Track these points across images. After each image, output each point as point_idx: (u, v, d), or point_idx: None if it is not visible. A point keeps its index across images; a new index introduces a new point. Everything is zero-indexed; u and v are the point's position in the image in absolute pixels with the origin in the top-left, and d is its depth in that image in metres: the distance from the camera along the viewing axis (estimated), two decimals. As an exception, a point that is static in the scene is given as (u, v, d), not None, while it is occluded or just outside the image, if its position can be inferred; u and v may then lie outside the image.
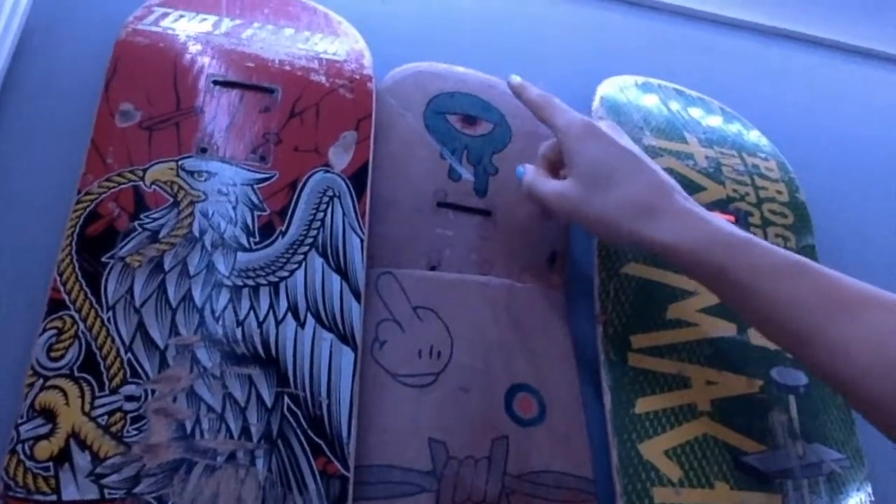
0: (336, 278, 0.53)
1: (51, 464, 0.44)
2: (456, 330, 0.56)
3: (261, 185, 0.55)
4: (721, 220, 0.52)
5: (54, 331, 0.47)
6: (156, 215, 0.52)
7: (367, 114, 0.60)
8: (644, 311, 0.61)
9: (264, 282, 0.52)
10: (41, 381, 0.46)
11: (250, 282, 0.51)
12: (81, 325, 0.48)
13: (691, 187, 0.66)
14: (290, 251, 0.53)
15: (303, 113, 0.59)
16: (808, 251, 0.68)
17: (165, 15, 0.61)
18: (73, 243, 0.50)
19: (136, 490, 0.44)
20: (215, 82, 0.58)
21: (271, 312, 0.51)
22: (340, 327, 0.52)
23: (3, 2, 0.57)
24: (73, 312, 0.48)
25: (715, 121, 0.74)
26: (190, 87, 0.57)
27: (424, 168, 0.62)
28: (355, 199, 0.56)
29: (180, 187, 0.53)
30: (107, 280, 0.49)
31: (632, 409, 0.56)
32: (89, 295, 0.49)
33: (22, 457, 0.44)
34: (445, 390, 0.54)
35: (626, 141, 0.56)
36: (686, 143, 0.70)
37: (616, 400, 0.57)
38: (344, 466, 0.48)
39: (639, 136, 0.68)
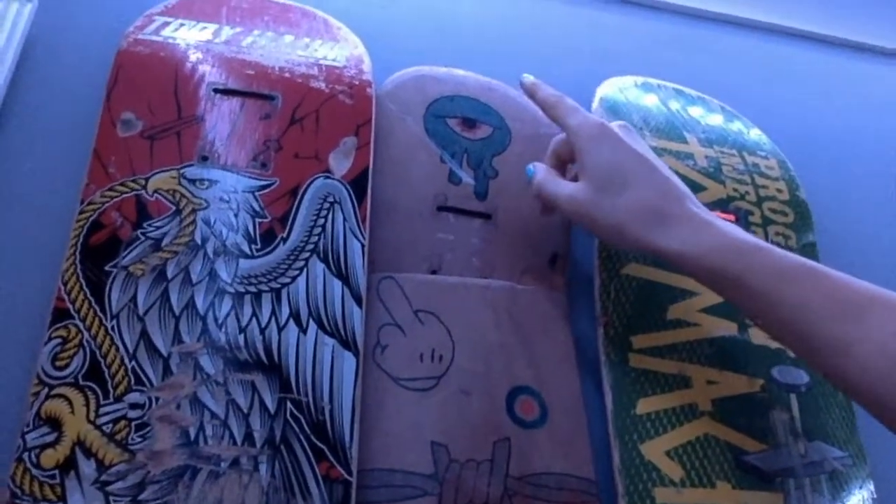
0: (337, 284, 0.54)
1: (57, 472, 0.44)
2: (457, 333, 0.57)
3: (262, 192, 0.55)
4: (729, 226, 0.52)
5: (59, 340, 0.48)
6: (158, 224, 0.53)
7: (367, 119, 0.61)
8: (645, 312, 0.61)
9: (266, 288, 0.52)
10: (46, 389, 0.46)
11: (252, 288, 0.52)
12: (86, 334, 0.48)
13: (691, 187, 0.66)
14: (292, 257, 0.54)
15: (303, 119, 0.59)
16: (809, 249, 0.68)
17: (166, 24, 0.61)
18: (77, 253, 0.50)
19: (141, 497, 0.44)
20: (216, 90, 0.59)
21: (273, 319, 0.51)
22: (342, 332, 0.52)
23: (6, 12, 0.58)
24: (77, 321, 0.48)
25: (715, 120, 0.75)
26: (191, 95, 0.58)
27: (425, 172, 0.62)
28: (356, 205, 0.57)
29: (182, 195, 0.54)
30: (110, 289, 0.50)
31: (633, 410, 0.57)
32: (93, 304, 0.49)
33: (28, 465, 0.44)
34: (447, 394, 0.54)
35: (639, 144, 0.56)
36: (686, 142, 0.70)
37: (617, 400, 0.57)
38: (347, 471, 0.48)
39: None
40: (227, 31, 0.62)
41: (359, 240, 0.56)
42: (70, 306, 0.49)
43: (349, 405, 0.50)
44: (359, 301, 0.54)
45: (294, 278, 0.53)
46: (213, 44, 0.61)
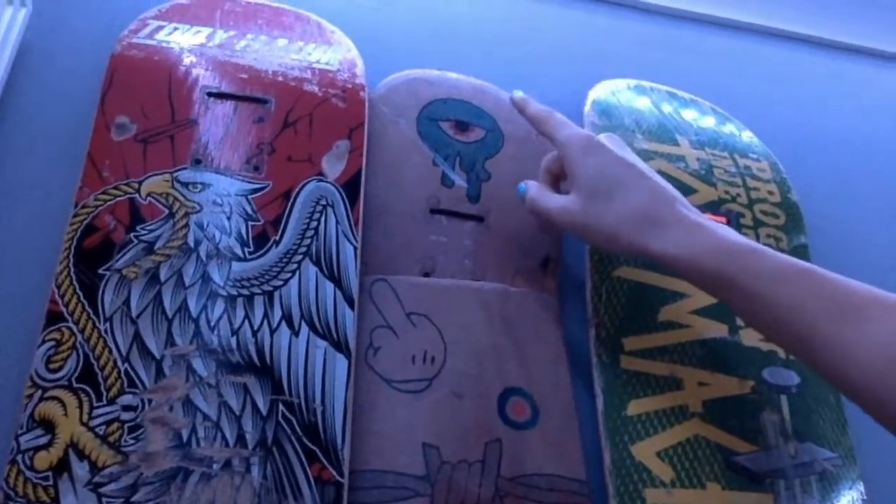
0: (330, 286, 0.54)
1: (50, 473, 0.45)
2: (449, 335, 0.57)
3: (255, 196, 0.56)
4: (723, 228, 0.52)
5: (53, 342, 0.48)
6: (151, 227, 0.53)
7: (360, 122, 0.61)
8: (636, 314, 0.61)
9: (259, 291, 0.53)
10: (40, 392, 0.47)
11: (245, 291, 0.52)
12: (79, 337, 0.48)
13: (683, 190, 0.66)
14: (284, 260, 0.54)
15: (296, 123, 0.59)
16: (801, 251, 0.68)
17: (160, 28, 0.61)
18: (71, 256, 0.51)
19: (134, 499, 0.45)
20: (209, 94, 0.59)
21: (266, 321, 0.52)
22: (334, 335, 0.53)
23: (0, 17, 0.58)
24: (70, 324, 0.49)
25: (707, 122, 0.75)
26: (184, 99, 0.58)
27: (417, 175, 0.63)
28: (349, 208, 0.57)
29: (175, 199, 0.54)
30: (104, 292, 0.50)
31: (624, 411, 0.57)
32: (87, 307, 0.49)
33: (22, 467, 0.44)
34: (439, 395, 0.54)
35: (627, 153, 0.57)
36: (677, 145, 0.70)
37: (608, 402, 0.57)
38: (338, 472, 0.48)
39: (630, 139, 0.69)
40: (220, 35, 0.62)
41: (351, 242, 0.56)
42: (63, 309, 0.49)
43: (341, 407, 0.50)
44: (351, 303, 0.54)
45: (286, 281, 0.53)
46: (206, 47, 0.61)
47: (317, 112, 0.60)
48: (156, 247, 0.52)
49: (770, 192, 0.71)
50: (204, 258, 0.53)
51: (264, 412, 0.49)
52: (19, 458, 0.45)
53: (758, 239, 0.67)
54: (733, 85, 0.83)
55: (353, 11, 0.72)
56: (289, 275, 0.54)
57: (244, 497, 0.46)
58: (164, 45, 0.60)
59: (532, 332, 0.60)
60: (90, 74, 0.59)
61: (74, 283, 0.50)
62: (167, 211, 0.54)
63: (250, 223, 0.55)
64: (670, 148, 0.70)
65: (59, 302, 0.49)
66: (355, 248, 0.56)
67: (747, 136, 0.76)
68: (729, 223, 0.67)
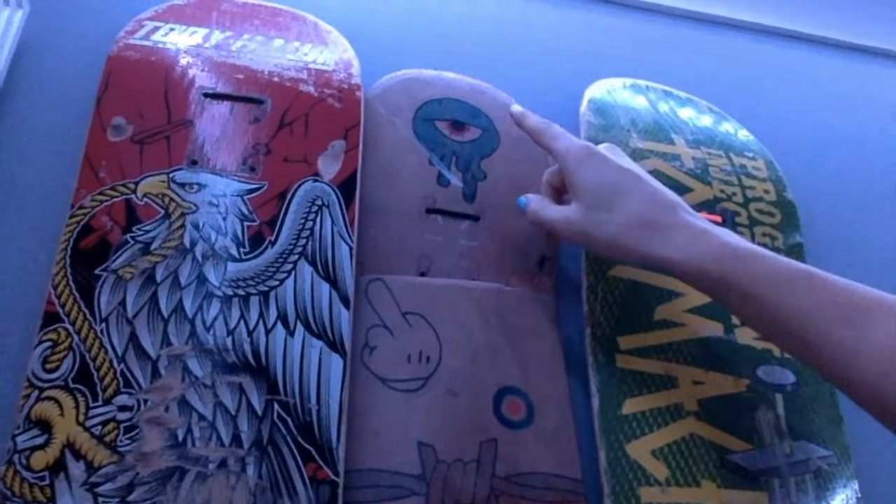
0: (325, 286, 0.54)
1: (46, 473, 0.45)
2: (445, 334, 0.57)
3: (251, 196, 0.56)
4: (726, 233, 0.52)
5: (49, 343, 0.48)
6: (147, 228, 0.53)
7: (356, 122, 0.61)
8: (631, 313, 0.61)
9: (254, 291, 0.53)
10: (37, 392, 0.47)
11: (241, 291, 0.52)
12: (75, 337, 0.49)
13: (678, 188, 0.67)
14: (280, 260, 0.54)
15: (292, 123, 0.60)
16: (796, 250, 0.69)
17: (156, 29, 0.62)
18: (67, 257, 0.51)
19: (130, 498, 0.45)
20: (206, 95, 0.59)
21: (261, 321, 0.52)
22: (330, 334, 0.53)
23: (-2, 19, 0.59)
24: (67, 325, 0.49)
25: (703, 121, 0.75)
26: (181, 99, 0.58)
27: (413, 174, 0.63)
28: (344, 208, 0.57)
29: (171, 199, 0.54)
30: (100, 292, 0.50)
31: (619, 410, 0.57)
32: (83, 307, 0.50)
33: (18, 467, 0.45)
34: (434, 394, 0.55)
35: (625, 161, 0.57)
36: (673, 144, 0.71)
37: (604, 401, 0.57)
38: (334, 472, 0.49)
39: (626, 138, 0.69)
40: (217, 36, 0.63)
41: (347, 242, 0.56)
42: (60, 310, 0.49)
43: (336, 406, 0.51)
44: (346, 303, 0.54)
45: (282, 281, 0.54)
46: (202, 48, 0.61)
47: (313, 112, 0.60)
48: (152, 247, 0.52)
49: (766, 191, 0.71)
50: (200, 259, 0.53)
51: (260, 412, 0.49)
52: (16, 457, 0.45)
53: (753, 238, 0.67)
54: (729, 84, 0.83)
55: (349, 12, 0.72)
56: (284, 275, 0.54)
57: (240, 496, 0.46)
58: (160, 45, 0.61)
59: (527, 331, 0.60)
60: (87, 75, 0.59)
61: (71, 283, 0.50)
62: (163, 211, 0.54)
63: (246, 223, 0.55)
64: (666, 147, 0.70)
65: (56, 303, 0.50)
66: (351, 248, 0.56)
67: (743, 134, 0.76)
68: (724, 222, 0.67)
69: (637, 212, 0.54)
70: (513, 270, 0.62)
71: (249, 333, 0.51)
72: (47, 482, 0.45)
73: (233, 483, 0.47)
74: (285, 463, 0.48)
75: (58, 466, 0.45)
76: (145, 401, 0.48)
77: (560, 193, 0.61)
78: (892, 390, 0.44)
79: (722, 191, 0.69)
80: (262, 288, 0.53)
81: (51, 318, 0.49)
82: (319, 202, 0.57)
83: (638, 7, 0.85)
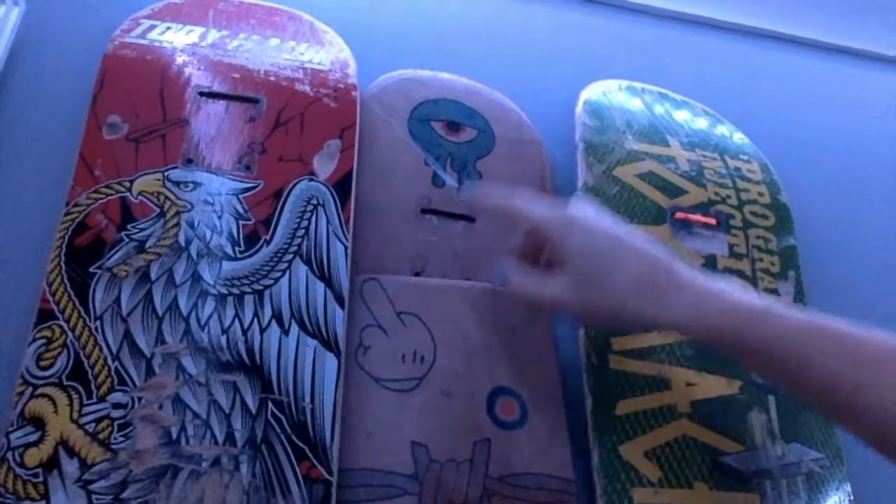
0: (320, 285, 0.54)
1: (40, 470, 0.45)
2: (439, 335, 0.57)
3: (246, 195, 0.56)
4: (728, 288, 0.51)
5: (43, 340, 0.48)
6: (142, 226, 0.53)
7: (352, 122, 0.61)
8: (625, 314, 0.61)
9: (249, 290, 0.53)
10: (31, 389, 0.47)
11: (235, 290, 0.53)
12: (70, 335, 0.49)
13: (673, 191, 0.67)
14: (275, 259, 0.54)
15: (287, 122, 0.60)
16: (790, 252, 0.69)
17: (153, 27, 0.62)
18: (62, 254, 0.51)
19: (123, 496, 0.45)
20: (201, 93, 0.59)
21: (256, 320, 0.52)
22: (324, 334, 0.53)
23: (-6, 16, 0.59)
24: (61, 322, 0.49)
25: (698, 124, 0.75)
26: (176, 98, 0.58)
27: (409, 175, 0.63)
28: (339, 207, 0.57)
29: (166, 198, 0.54)
30: (94, 290, 0.50)
31: (612, 411, 0.57)
32: (77, 305, 0.50)
33: (12, 464, 0.45)
34: (428, 394, 0.55)
35: (606, 222, 0.54)
36: (668, 146, 0.71)
37: (597, 402, 0.58)
38: (327, 471, 0.49)
39: (621, 140, 0.69)
40: (213, 35, 0.63)
41: (342, 242, 0.56)
42: (54, 307, 0.49)
43: (330, 405, 0.51)
44: (341, 302, 0.54)
45: (277, 280, 0.54)
46: (199, 47, 0.61)
47: (308, 112, 0.61)
48: (147, 245, 0.53)
49: (760, 194, 0.71)
50: (195, 257, 0.53)
51: (254, 410, 0.49)
52: (9, 455, 0.45)
53: (747, 240, 0.68)
54: (725, 86, 0.83)
55: (345, 11, 0.72)
56: (279, 274, 0.54)
57: (233, 495, 0.46)
58: (156, 44, 0.61)
59: (521, 332, 0.60)
60: (83, 73, 0.59)
61: (66, 281, 0.50)
62: (158, 210, 0.54)
63: (241, 222, 0.55)
64: (661, 149, 0.70)
65: (51, 300, 0.49)
66: (346, 248, 0.56)
67: (738, 137, 0.76)
68: (719, 224, 0.67)
69: (635, 277, 0.51)
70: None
71: (244, 332, 0.51)
72: (41, 479, 0.45)
73: (226, 481, 0.47)
74: (279, 461, 0.48)
75: (51, 464, 0.45)
76: (139, 398, 0.48)
77: (535, 254, 0.58)
78: None
79: (716, 193, 0.69)
80: (257, 287, 0.53)
81: (45, 316, 0.49)
82: (315, 201, 0.57)
83: (634, 10, 0.85)
